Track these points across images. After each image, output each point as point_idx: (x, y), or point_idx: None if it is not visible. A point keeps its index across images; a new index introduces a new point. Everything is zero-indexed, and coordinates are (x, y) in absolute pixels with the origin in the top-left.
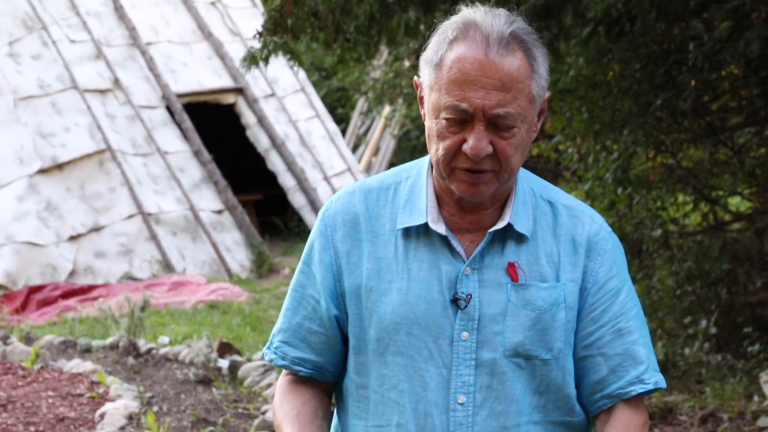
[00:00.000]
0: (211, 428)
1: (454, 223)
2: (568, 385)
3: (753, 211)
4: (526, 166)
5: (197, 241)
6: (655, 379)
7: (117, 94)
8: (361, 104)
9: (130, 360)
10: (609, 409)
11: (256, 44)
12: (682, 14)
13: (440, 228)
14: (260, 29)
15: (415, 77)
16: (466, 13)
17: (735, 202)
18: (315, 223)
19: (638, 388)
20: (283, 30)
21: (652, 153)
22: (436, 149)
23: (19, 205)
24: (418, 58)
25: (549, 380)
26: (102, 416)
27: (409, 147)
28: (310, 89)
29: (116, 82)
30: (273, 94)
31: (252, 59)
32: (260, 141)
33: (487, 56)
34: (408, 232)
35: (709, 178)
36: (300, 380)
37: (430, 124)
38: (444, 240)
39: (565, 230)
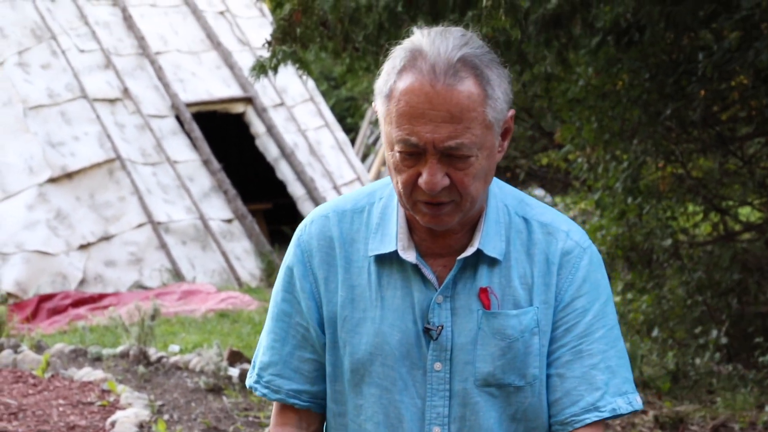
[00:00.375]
0: None
1: (425, 248)
2: (546, 411)
3: (763, 221)
4: (533, 174)
5: (207, 250)
6: (612, 405)
7: (126, 103)
8: (370, 113)
9: (141, 368)
10: None
11: (265, 53)
12: (691, 24)
13: (410, 256)
14: (269, 38)
15: (373, 103)
16: (414, 38)
17: (745, 212)
18: (290, 248)
19: (592, 417)
20: (291, 39)
21: (661, 163)
22: (396, 182)
23: (29, 214)
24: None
25: (525, 407)
26: (113, 424)
27: None
28: (319, 98)
29: (125, 91)
30: (282, 104)
31: (261, 68)
32: (269, 150)
33: (434, 88)
34: (381, 259)
35: (719, 188)
36: (294, 427)
37: (387, 156)
38: (415, 267)
39: (540, 249)
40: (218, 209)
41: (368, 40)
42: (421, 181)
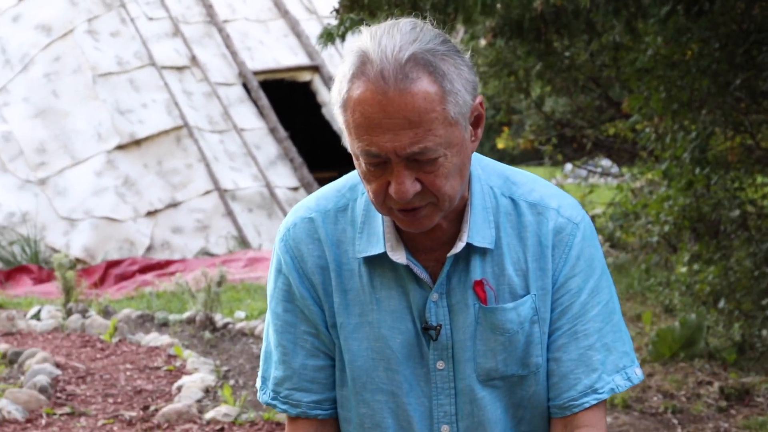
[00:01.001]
0: None
1: (415, 244)
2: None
3: None
4: (600, 144)
5: (273, 218)
6: (610, 385)
7: (194, 71)
8: None
9: (207, 334)
10: (564, 419)
11: (333, 21)
12: None
13: (400, 257)
14: (337, 6)
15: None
16: (362, 40)
17: None
18: (276, 255)
19: (591, 400)
20: (359, 7)
21: (730, 133)
22: (367, 191)
23: (97, 180)
24: (494, 36)
25: (530, 394)
26: (179, 389)
27: (486, 126)
28: None
29: (193, 59)
30: None
31: (328, 36)
32: (336, 119)
33: (386, 95)
34: (370, 260)
35: None
36: (309, 427)
37: (356, 165)
38: (407, 267)
39: (531, 231)
40: (284, 177)
41: (436, 8)
42: (391, 190)
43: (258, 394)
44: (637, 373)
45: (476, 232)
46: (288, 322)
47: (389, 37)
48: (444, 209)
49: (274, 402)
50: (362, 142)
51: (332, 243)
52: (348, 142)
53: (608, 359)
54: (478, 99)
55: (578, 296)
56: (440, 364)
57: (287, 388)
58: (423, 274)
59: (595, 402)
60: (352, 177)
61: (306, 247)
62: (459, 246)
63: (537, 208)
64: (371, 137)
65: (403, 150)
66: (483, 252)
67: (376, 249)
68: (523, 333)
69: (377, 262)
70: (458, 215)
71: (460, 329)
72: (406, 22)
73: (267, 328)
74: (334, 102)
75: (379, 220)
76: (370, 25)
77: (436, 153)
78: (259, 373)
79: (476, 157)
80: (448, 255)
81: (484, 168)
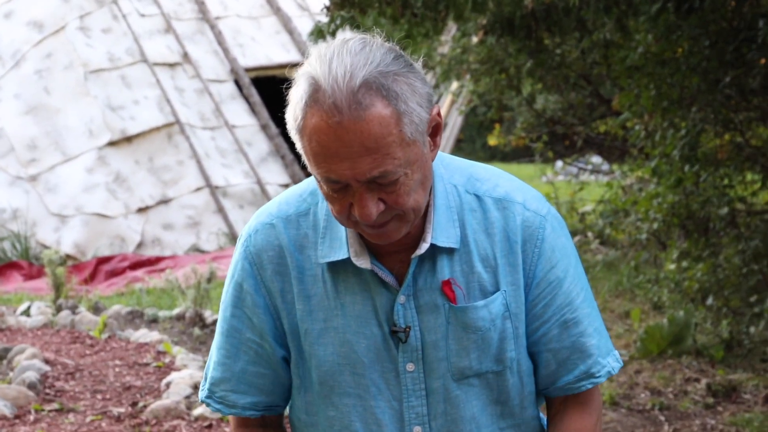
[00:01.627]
0: None
1: (379, 248)
2: (528, 384)
3: None
4: (591, 141)
5: None
6: (607, 369)
7: (186, 67)
8: (429, 79)
9: (196, 330)
10: (561, 401)
11: (324, 19)
12: None
13: (365, 263)
14: (328, 3)
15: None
16: (312, 65)
17: None
18: (236, 260)
19: (588, 384)
20: (350, 4)
21: (720, 131)
22: (331, 209)
23: (88, 176)
24: (486, 33)
25: (507, 388)
26: (168, 385)
27: (476, 123)
28: None
29: (185, 55)
30: None
31: (319, 33)
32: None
33: (341, 124)
34: (334, 265)
35: None
36: (258, 426)
37: (317, 183)
38: (372, 271)
39: (498, 227)
40: (275, 174)
41: (427, 5)
42: (355, 212)
43: (200, 391)
44: (619, 357)
45: (440, 232)
46: (234, 327)
47: (339, 61)
48: (410, 221)
49: (209, 401)
50: (321, 169)
51: (294, 249)
52: (307, 163)
53: (601, 343)
54: (435, 110)
55: (560, 286)
56: (410, 366)
57: (223, 390)
58: (389, 278)
59: (591, 386)
60: (313, 181)
61: (266, 254)
62: (423, 247)
63: (502, 203)
64: (329, 165)
65: (362, 176)
66: (449, 251)
67: (339, 254)
68: (496, 330)
69: (341, 267)
70: (422, 218)
71: (431, 330)
72: (355, 41)
73: (217, 329)
74: (290, 127)
75: (341, 226)
76: (359, 24)
77: (396, 175)
78: (204, 370)
79: (438, 156)
80: (413, 256)
81: (446, 167)
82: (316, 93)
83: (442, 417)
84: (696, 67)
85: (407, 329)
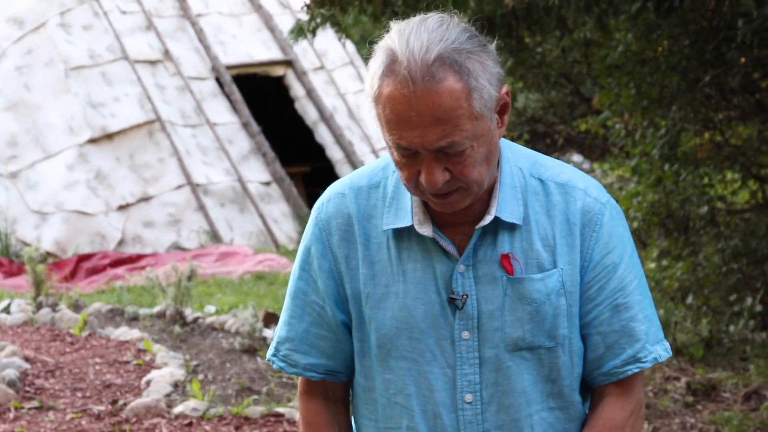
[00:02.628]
0: (255, 397)
1: (442, 218)
2: (577, 365)
3: None
4: (571, 140)
5: (245, 213)
6: (654, 355)
7: (167, 65)
8: None
9: (177, 329)
10: (603, 389)
11: (305, 17)
12: None
13: (427, 230)
14: (308, 1)
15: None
16: (391, 38)
17: None
18: (308, 227)
19: (634, 368)
20: (330, 2)
21: (700, 130)
22: (400, 176)
23: (69, 174)
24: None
25: (558, 366)
26: (148, 383)
27: None
28: (360, 62)
29: (166, 53)
30: (322, 67)
31: (299, 31)
32: (309, 113)
33: (415, 93)
34: (398, 233)
35: (758, 155)
36: (319, 397)
37: (389, 151)
38: (434, 240)
39: (559, 210)
40: (257, 172)
41: (407, 3)
42: (422, 179)
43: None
44: (668, 348)
45: (505, 207)
46: (300, 288)
47: (417, 37)
48: (473, 193)
49: (274, 359)
50: (393, 135)
51: (363, 217)
52: (381, 131)
53: (650, 330)
54: (504, 89)
55: (615, 271)
56: (465, 334)
57: (287, 348)
58: (450, 247)
59: (637, 370)
60: (386, 158)
61: (335, 221)
62: (487, 219)
63: (565, 188)
64: (401, 132)
65: (431, 145)
66: (511, 227)
67: (404, 222)
68: (550, 305)
69: (404, 235)
70: (487, 193)
71: (488, 300)
72: (434, 20)
73: (287, 290)
74: (367, 94)
75: (408, 196)
76: (341, 21)
77: (463, 146)
78: None
79: (506, 143)
80: (477, 227)
81: (513, 151)
82: (392, 64)
83: (494, 387)
84: (676, 66)
85: (464, 297)
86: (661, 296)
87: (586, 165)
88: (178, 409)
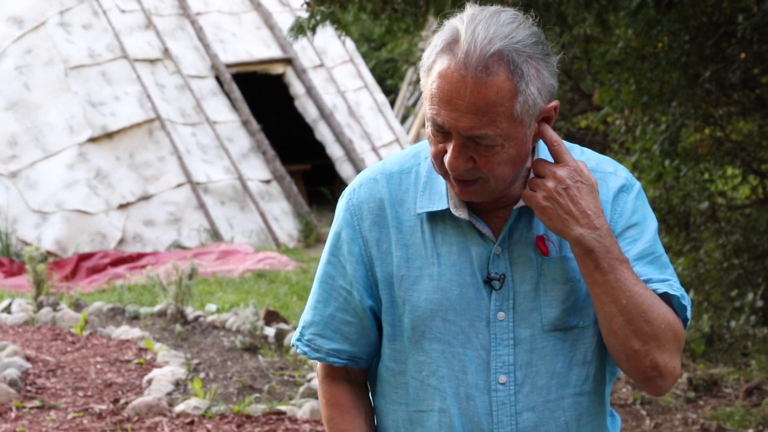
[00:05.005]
0: (257, 395)
1: (477, 204)
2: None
3: None
4: (572, 137)
5: (245, 211)
6: (681, 292)
7: (166, 63)
8: (410, 75)
9: (178, 327)
10: None
11: (305, 14)
12: None
13: (463, 213)
14: None
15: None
16: (457, 21)
17: None
18: (338, 212)
19: (664, 287)
20: (330, 0)
21: (700, 125)
22: (430, 151)
23: (69, 173)
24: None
25: (594, 347)
26: (149, 382)
27: None
28: (359, 60)
29: (166, 51)
30: (322, 65)
31: (299, 29)
32: (309, 111)
33: (464, 78)
34: (433, 216)
35: (758, 151)
36: (341, 380)
37: (427, 124)
38: (469, 223)
39: None
40: (257, 170)
41: (407, 1)
42: (445, 158)
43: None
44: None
45: None
46: (328, 273)
47: (485, 26)
48: (492, 189)
49: (298, 343)
50: (432, 110)
51: (395, 202)
52: (424, 102)
53: (683, 292)
54: (553, 103)
55: (635, 245)
56: (501, 315)
57: (312, 333)
58: (485, 230)
59: (667, 290)
60: (417, 146)
61: (367, 206)
62: (523, 201)
63: (596, 173)
64: (440, 109)
65: (464, 131)
66: None
67: (439, 205)
68: (584, 283)
69: (439, 219)
70: (523, 179)
71: (524, 281)
72: (508, 15)
73: (316, 275)
74: (422, 64)
75: (442, 181)
76: (340, 19)
77: (494, 142)
78: None
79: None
80: (514, 208)
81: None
82: (453, 44)
83: (528, 367)
84: (676, 62)
85: (503, 276)
86: None
87: None
88: (179, 408)
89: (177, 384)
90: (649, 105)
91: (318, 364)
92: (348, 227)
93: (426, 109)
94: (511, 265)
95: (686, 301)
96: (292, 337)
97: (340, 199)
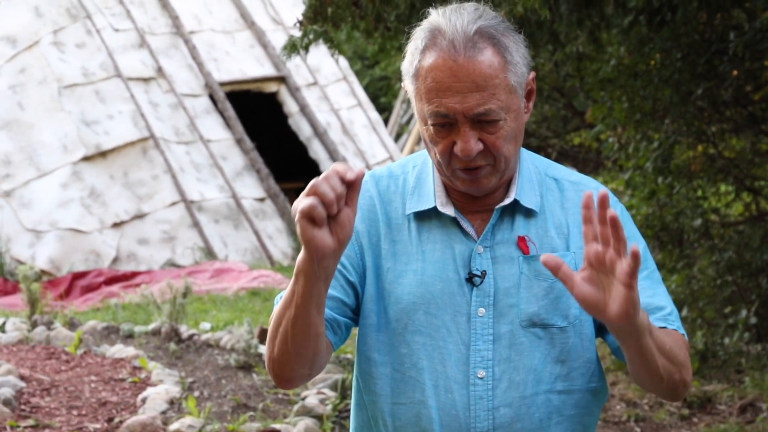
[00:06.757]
0: (251, 413)
1: (462, 205)
2: (588, 350)
3: None
4: (565, 154)
5: (239, 229)
6: (678, 324)
7: (160, 82)
8: (404, 93)
9: (172, 346)
10: None
11: (298, 33)
12: (724, 3)
13: (449, 210)
14: (301, 18)
15: (403, 84)
16: (431, 18)
17: None
18: None
19: (661, 323)
20: (323, 19)
21: (693, 142)
22: (434, 154)
23: (63, 192)
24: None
25: (569, 347)
26: (144, 401)
27: None
28: (353, 78)
29: (159, 70)
30: (315, 83)
31: (292, 47)
32: (302, 129)
33: (457, 61)
34: (420, 216)
35: (751, 168)
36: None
37: (422, 131)
38: (454, 221)
39: (573, 203)
40: (251, 188)
41: (400, 19)
42: (457, 149)
43: None
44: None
45: (523, 194)
46: None
47: (458, 15)
48: (500, 171)
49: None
50: (432, 104)
51: (383, 201)
52: (417, 109)
53: (674, 310)
54: (532, 74)
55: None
56: (481, 311)
57: None
58: (469, 228)
59: (664, 325)
60: (407, 158)
61: (360, 200)
62: (507, 200)
63: (578, 186)
64: (441, 99)
65: (470, 111)
66: (527, 214)
67: (426, 205)
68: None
69: (425, 218)
70: (506, 183)
71: (504, 278)
72: (470, 5)
73: None
74: (405, 73)
75: (430, 184)
76: (333, 37)
77: (498, 115)
78: None
79: (522, 149)
80: (496, 207)
81: (529, 154)
82: (435, 37)
83: (506, 362)
84: (668, 80)
85: (483, 273)
86: None
87: None
88: (173, 427)
89: (171, 402)
90: (641, 122)
91: None
92: None
93: (422, 110)
94: (492, 263)
95: (678, 318)
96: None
97: None
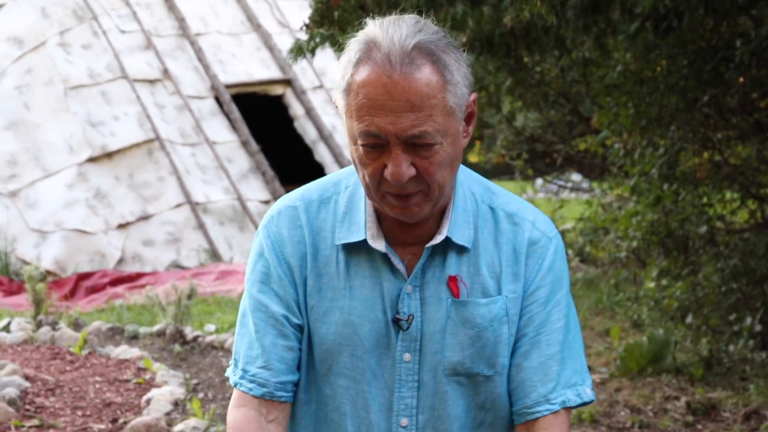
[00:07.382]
0: None
1: (394, 236)
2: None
3: None
4: (570, 159)
5: (244, 231)
6: (563, 398)
7: (166, 84)
8: None
9: (177, 347)
10: (525, 425)
11: (304, 36)
12: (730, 11)
13: (380, 245)
14: (307, 21)
15: (333, 99)
16: (368, 29)
17: None
18: (257, 241)
19: (543, 410)
20: (329, 22)
21: (698, 149)
22: (362, 176)
23: (68, 192)
24: (465, 51)
25: (494, 396)
26: (148, 402)
27: None
28: None
29: (165, 72)
30: (321, 86)
31: (298, 51)
32: (308, 132)
33: (392, 78)
34: (348, 247)
35: (757, 175)
36: (255, 400)
37: (351, 150)
38: (385, 257)
39: (507, 238)
40: (256, 190)
41: None
42: (387, 173)
43: (230, 376)
44: (588, 393)
45: (456, 230)
46: (261, 302)
47: (396, 27)
48: (433, 199)
49: (242, 381)
50: (363, 123)
51: (312, 230)
52: (347, 126)
53: (563, 373)
54: (473, 96)
55: (545, 306)
56: (407, 356)
57: (257, 367)
58: (399, 265)
59: (547, 413)
60: (337, 174)
61: (288, 232)
62: (438, 238)
63: (514, 219)
64: (373, 118)
65: (403, 132)
66: (460, 250)
67: (357, 236)
68: (492, 331)
69: (354, 250)
70: (440, 215)
71: (431, 322)
72: (410, 17)
73: (241, 310)
74: (336, 87)
75: (361, 212)
76: (340, 40)
77: (434, 139)
78: (232, 356)
79: (461, 167)
80: (427, 246)
81: (467, 176)
82: (370, 50)
83: (429, 411)
84: (674, 86)
85: (410, 317)
86: (661, 316)
87: (585, 184)
88: (178, 428)
89: (176, 404)
90: (647, 128)
91: (233, 397)
92: (272, 253)
93: (352, 128)
94: (421, 305)
95: (568, 395)
96: (231, 377)
97: (259, 228)
